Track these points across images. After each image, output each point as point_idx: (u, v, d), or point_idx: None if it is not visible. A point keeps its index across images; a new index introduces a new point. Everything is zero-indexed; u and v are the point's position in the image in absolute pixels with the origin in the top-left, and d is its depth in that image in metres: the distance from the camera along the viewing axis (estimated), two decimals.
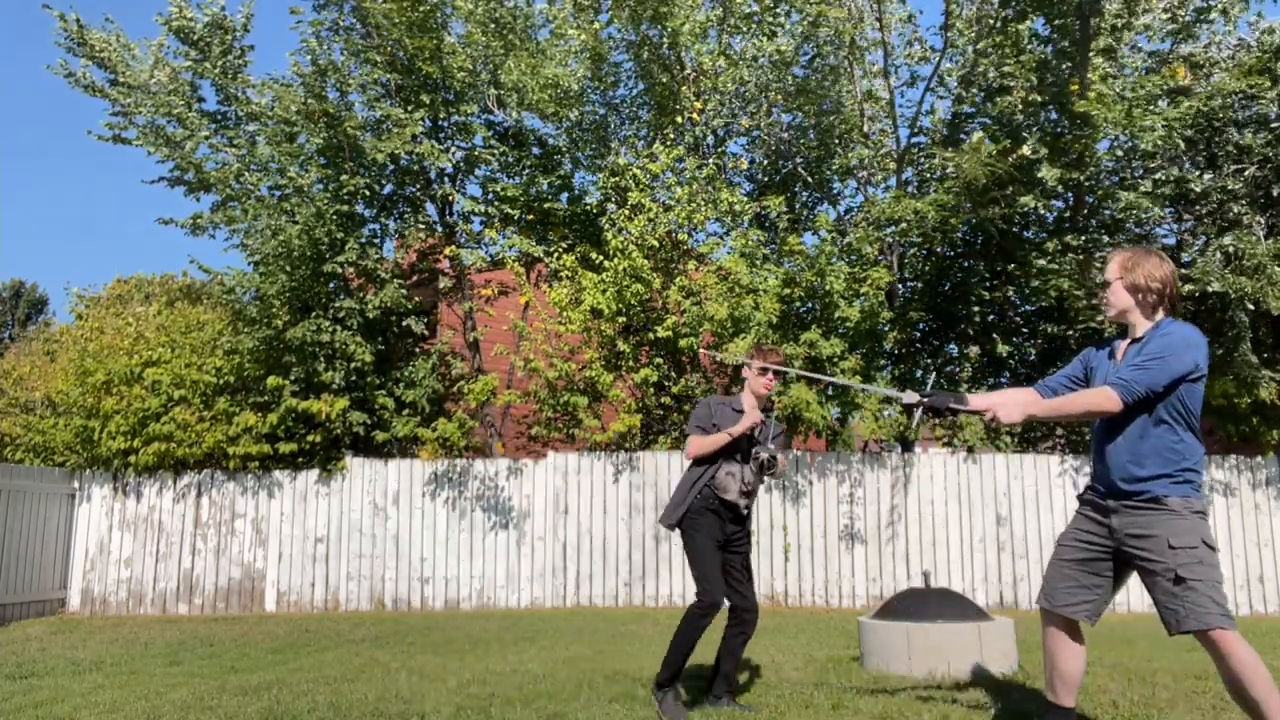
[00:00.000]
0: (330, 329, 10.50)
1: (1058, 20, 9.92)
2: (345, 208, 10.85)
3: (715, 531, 4.37)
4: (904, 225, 10.38)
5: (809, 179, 12.47)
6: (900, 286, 11.85)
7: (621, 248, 10.59)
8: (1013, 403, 3.55)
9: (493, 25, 11.40)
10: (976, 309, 11.24)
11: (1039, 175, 9.50)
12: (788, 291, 10.22)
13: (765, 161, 12.70)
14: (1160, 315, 3.46)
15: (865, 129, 11.70)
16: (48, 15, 10.99)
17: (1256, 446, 10.18)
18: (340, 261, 10.66)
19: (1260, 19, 10.45)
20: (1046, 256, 10.00)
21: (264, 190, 11.10)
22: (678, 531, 4.46)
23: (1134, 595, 9.79)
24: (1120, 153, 10.45)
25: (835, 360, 10.05)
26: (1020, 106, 9.91)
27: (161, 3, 11.81)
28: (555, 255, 11.18)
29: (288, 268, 10.46)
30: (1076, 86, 9.42)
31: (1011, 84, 9.91)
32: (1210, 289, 9.31)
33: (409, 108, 11.04)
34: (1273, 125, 9.76)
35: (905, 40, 11.43)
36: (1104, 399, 3.35)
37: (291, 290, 10.59)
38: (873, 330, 10.46)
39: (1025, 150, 9.45)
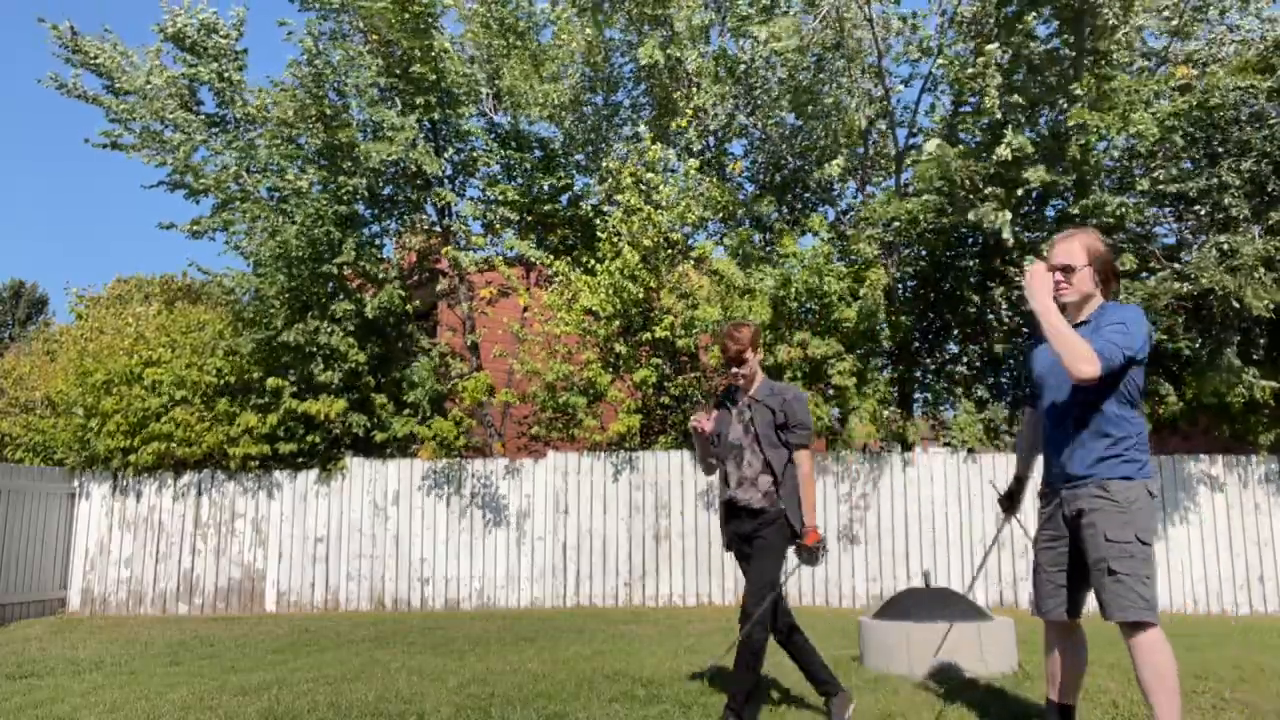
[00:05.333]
0: (329, 330, 10.51)
1: (1057, 19, 9.92)
2: (343, 208, 10.85)
3: (727, 535, 4.27)
4: (898, 225, 10.38)
5: (807, 180, 12.47)
6: (900, 287, 11.84)
7: (614, 250, 10.60)
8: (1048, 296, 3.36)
9: (495, 26, 11.41)
10: (973, 309, 11.23)
11: (1024, 176, 9.46)
12: (783, 292, 10.20)
13: (765, 161, 12.70)
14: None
15: (864, 129, 11.70)
16: (48, 10, 11.00)
17: (1255, 445, 10.17)
18: (339, 263, 10.66)
19: (1257, 14, 10.43)
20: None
21: (263, 192, 11.10)
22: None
23: None
24: (1116, 153, 10.44)
25: (832, 361, 10.04)
26: (1010, 107, 9.89)
27: (157, 12, 11.84)
28: (551, 259, 11.18)
29: (285, 269, 10.47)
30: (1085, 82, 9.39)
31: (999, 83, 9.89)
32: (1201, 282, 9.32)
33: (406, 110, 11.04)
34: (1271, 121, 9.76)
35: (905, 41, 11.41)
36: (1083, 357, 3.19)
37: (290, 291, 10.60)
38: (870, 331, 10.46)
39: (1003, 151, 9.39)
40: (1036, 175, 9.34)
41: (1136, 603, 3.17)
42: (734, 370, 4.18)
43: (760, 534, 4.09)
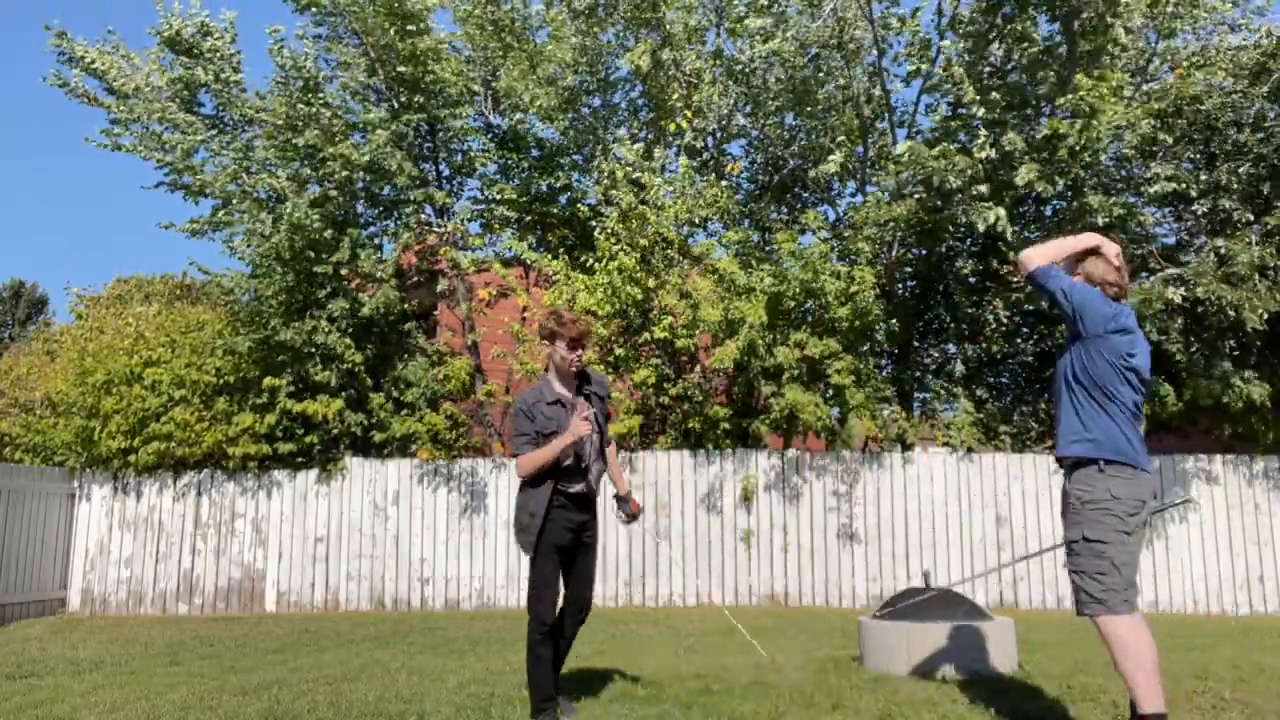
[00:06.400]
0: (326, 330, 10.50)
1: (1051, 20, 9.92)
2: (332, 207, 10.84)
3: (560, 535, 4.26)
4: (892, 226, 10.38)
5: (806, 180, 12.47)
6: (900, 287, 11.84)
7: (609, 252, 10.60)
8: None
9: (490, 27, 11.41)
10: (971, 309, 11.23)
11: (1014, 179, 9.44)
12: (781, 289, 10.19)
13: (764, 161, 12.70)
14: None
15: (863, 129, 11.69)
16: (49, 12, 11.04)
17: (1255, 445, 10.17)
18: (333, 261, 10.65)
19: (1248, 21, 10.44)
20: None
21: (261, 192, 11.08)
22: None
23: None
24: (1107, 155, 10.44)
25: (830, 360, 10.04)
26: (993, 106, 9.87)
27: (156, 15, 11.98)
28: (549, 258, 11.18)
29: (279, 269, 10.47)
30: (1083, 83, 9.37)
31: (984, 83, 9.88)
32: (1197, 292, 9.33)
33: (400, 111, 11.03)
34: (1267, 124, 9.77)
35: (905, 41, 11.41)
36: (1031, 252, 3.65)
37: (286, 291, 10.59)
38: (865, 330, 10.46)
39: (980, 153, 9.37)
40: (1027, 173, 9.31)
41: (1083, 599, 3.44)
42: (579, 353, 4.25)
43: (593, 527, 4.42)
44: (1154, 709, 3.30)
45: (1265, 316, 9.23)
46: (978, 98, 9.54)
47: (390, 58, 11.05)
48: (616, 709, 4.51)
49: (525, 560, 10.49)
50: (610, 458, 4.55)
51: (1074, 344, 3.59)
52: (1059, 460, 3.64)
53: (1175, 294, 9.32)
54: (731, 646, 6.73)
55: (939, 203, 10.07)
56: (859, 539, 10.11)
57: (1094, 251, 3.68)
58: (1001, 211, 9.50)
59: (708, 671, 5.51)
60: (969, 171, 9.49)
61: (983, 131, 9.52)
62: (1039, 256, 3.63)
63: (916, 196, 10.15)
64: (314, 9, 11.26)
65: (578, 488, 4.28)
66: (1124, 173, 10.75)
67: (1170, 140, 9.90)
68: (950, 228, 10.59)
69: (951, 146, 9.75)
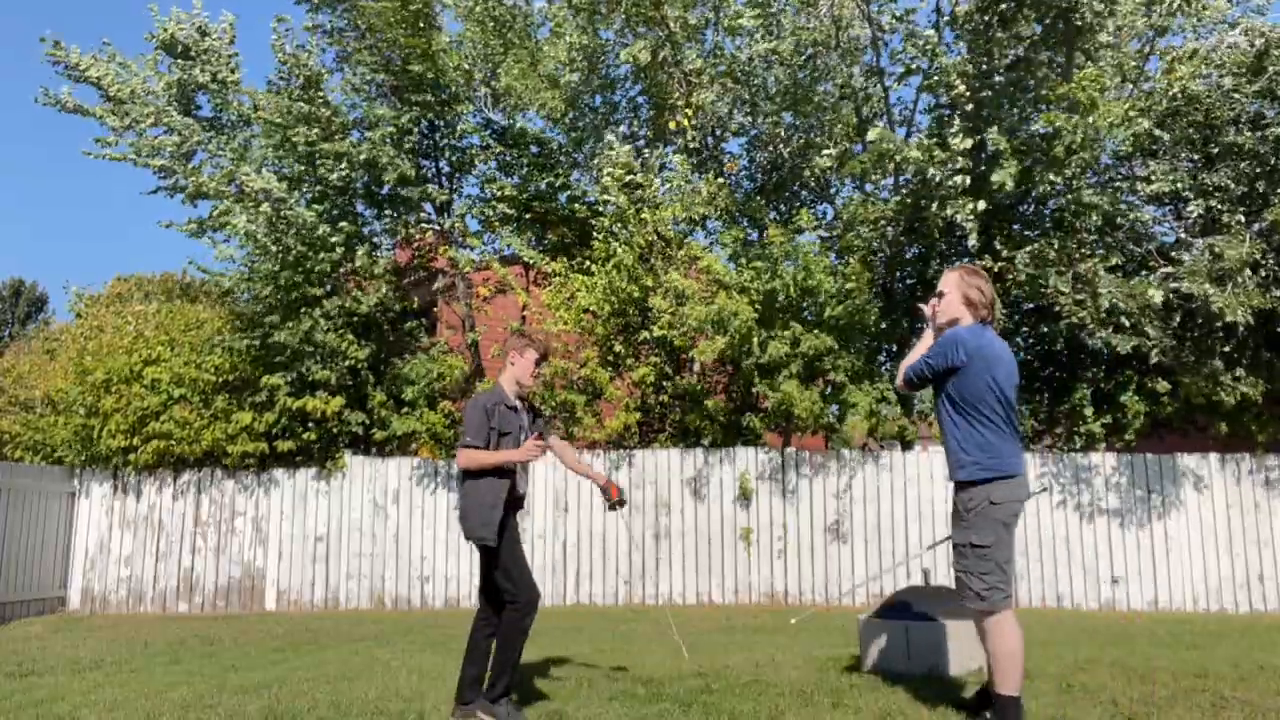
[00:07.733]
0: (325, 328, 10.50)
1: (1039, 22, 9.90)
2: (332, 205, 10.83)
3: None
4: (881, 224, 10.37)
5: (804, 178, 12.46)
6: (899, 285, 11.83)
7: (607, 252, 10.59)
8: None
9: (491, 23, 11.41)
10: None
11: (992, 176, 9.40)
12: (771, 286, 10.16)
13: (765, 160, 12.69)
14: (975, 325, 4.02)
15: (861, 129, 11.68)
16: (50, 12, 11.02)
17: (1254, 444, 10.16)
18: (330, 260, 10.64)
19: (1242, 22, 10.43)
20: (1037, 259, 9.97)
21: (261, 198, 11.07)
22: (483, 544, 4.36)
23: (1132, 593, 9.80)
24: (1107, 152, 10.42)
25: (826, 357, 10.02)
26: (982, 104, 9.84)
27: (151, 22, 12.07)
28: (547, 258, 11.18)
29: (277, 268, 10.47)
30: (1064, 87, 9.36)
31: (970, 83, 9.84)
32: (1184, 288, 9.31)
33: (404, 108, 11.03)
34: (1265, 123, 9.76)
35: (902, 38, 11.39)
36: (900, 372, 4.16)
37: (282, 291, 10.59)
38: (863, 326, 10.45)
39: (956, 144, 9.34)
40: (1002, 176, 9.26)
41: (968, 595, 3.88)
42: (542, 369, 4.70)
43: (515, 524, 4.53)
44: (1010, 692, 3.77)
45: (1252, 312, 9.20)
46: (966, 93, 9.52)
47: (396, 51, 11.04)
48: (616, 708, 4.51)
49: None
50: (571, 458, 4.89)
51: (948, 378, 3.97)
52: (954, 483, 4.04)
53: (1157, 294, 9.29)
54: (732, 646, 6.74)
55: (923, 200, 10.04)
56: (858, 537, 10.11)
57: (953, 321, 4.06)
58: (980, 205, 9.47)
59: (708, 670, 5.51)
60: (949, 165, 9.45)
61: (957, 121, 9.50)
62: (904, 367, 4.12)
63: (909, 189, 10.14)
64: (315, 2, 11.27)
65: (521, 490, 4.56)
66: (1123, 171, 10.73)
67: (1168, 139, 9.88)
68: (940, 223, 10.59)
69: (932, 141, 9.73)
